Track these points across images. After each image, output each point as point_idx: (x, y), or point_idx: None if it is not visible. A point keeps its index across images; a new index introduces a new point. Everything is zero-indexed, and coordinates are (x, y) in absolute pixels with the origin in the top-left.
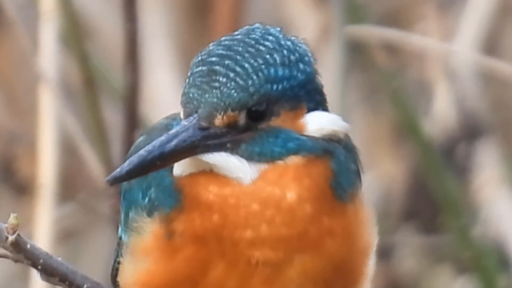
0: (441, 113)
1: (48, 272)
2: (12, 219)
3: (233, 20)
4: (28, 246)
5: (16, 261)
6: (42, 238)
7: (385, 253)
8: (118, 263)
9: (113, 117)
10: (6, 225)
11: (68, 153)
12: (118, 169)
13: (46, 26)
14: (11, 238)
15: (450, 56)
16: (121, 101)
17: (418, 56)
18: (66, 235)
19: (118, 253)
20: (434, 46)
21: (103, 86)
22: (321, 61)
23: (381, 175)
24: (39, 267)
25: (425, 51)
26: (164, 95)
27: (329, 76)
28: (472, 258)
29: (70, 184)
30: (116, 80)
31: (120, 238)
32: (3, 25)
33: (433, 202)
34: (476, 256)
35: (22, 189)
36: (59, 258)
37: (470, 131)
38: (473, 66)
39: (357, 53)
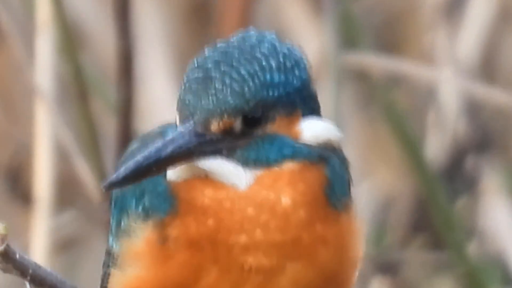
0: (449, 124)
1: (37, 282)
2: (1, 229)
3: (235, 30)
4: (17, 256)
5: (4, 271)
6: (39, 248)
7: (389, 267)
8: (108, 273)
9: (107, 128)
10: None
11: (62, 163)
12: (114, 175)
13: (42, 39)
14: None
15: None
16: (115, 113)
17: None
18: (62, 245)
19: (108, 264)
20: (424, 73)
21: (97, 97)
22: (317, 73)
23: (380, 185)
24: (28, 277)
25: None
26: (160, 104)
27: (326, 86)
28: (469, 274)
29: (64, 194)
30: (110, 92)
31: (110, 248)
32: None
33: (434, 218)
34: (473, 272)
35: (26, 198)
36: (48, 269)
37: (479, 142)
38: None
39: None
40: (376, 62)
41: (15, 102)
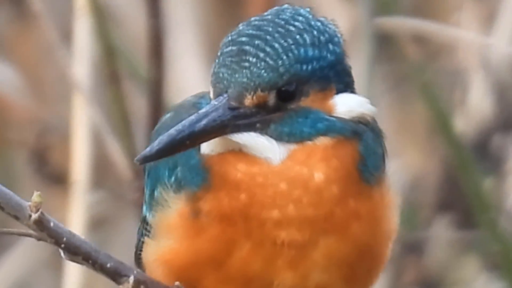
0: (476, 104)
1: (71, 250)
2: (35, 197)
3: (263, 11)
4: (51, 224)
5: (39, 239)
6: (75, 226)
7: (416, 246)
8: (142, 241)
9: (138, 108)
10: (30, 203)
11: (95, 144)
12: (148, 149)
13: (78, 22)
14: (34, 216)
15: (485, 47)
16: (146, 93)
17: (450, 47)
18: (94, 223)
19: (142, 232)
20: (467, 37)
21: (129, 78)
22: (350, 51)
23: (409, 165)
24: (62, 245)
25: (458, 42)
26: (190, 85)
27: (358, 66)
28: (500, 253)
29: (96, 174)
30: (142, 72)
31: (145, 216)
32: (31, 16)
33: (464, 196)
34: (504, 250)
35: (54, 178)
36: (82, 237)
37: (505, 122)
38: (509, 57)
39: (386, 44)
40: (410, 25)
41: (43, 83)
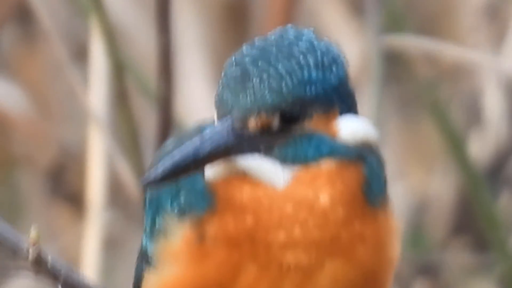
0: (491, 126)
1: (69, 286)
2: (33, 233)
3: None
4: (49, 260)
5: (37, 274)
6: (91, 249)
7: (429, 269)
8: (143, 273)
9: (149, 126)
10: (28, 238)
11: (107, 164)
12: (152, 173)
13: (92, 42)
14: (31, 253)
15: (498, 68)
16: (155, 110)
17: (463, 67)
18: (107, 243)
19: (141, 264)
20: (479, 57)
21: (139, 95)
22: (359, 71)
23: (417, 187)
24: (60, 282)
25: (471, 62)
26: (197, 105)
27: (367, 86)
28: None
29: (109, 194)
30: (151, 90)
31: (145, 247)
32: (39, 35)
33: (477, 219)
34: None
35: (68, 199)
36: (80, 274)
37: (500, 156)
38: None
39: (396, 64)
40: (418, 45)
41: (52, 103)
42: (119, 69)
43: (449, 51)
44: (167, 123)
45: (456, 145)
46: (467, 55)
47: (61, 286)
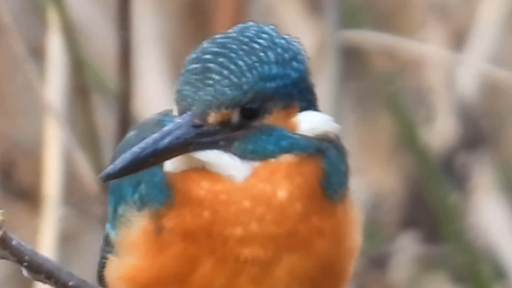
0: (441, 122)
1: (34, 269)
2: None
3: (228, 27)
4: (14, 242)
5: (1, 257)
6: (46, 243)
7: (381, 261)
8: (105, 259)
9: (107, 122)
10: None
11: (64, 158)
12: (111, 166)
13: (50, 37)
14: None
15: (451, 65)
16: (114, 107)
17: (417, 64)
18: (62, 239)
19: (105, 250)
20: (434, 53)
21: (98, 91)
22: (316, 67)
23: (373, 182)
24: (25, 263)
25: (425, 58)
26: (155, 101)
27: (324, 82)
28: (467, 265)
29: (65, 189)
30: (111, 86)
31: (107, 234)
32: None
33: (430, 211)
34: (472, 262)
35: (21, 194)
36: (45, 255)
37: (469, 140)
38: (475, 72)
39: (352, 59)
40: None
41: (8, 98)
42: (78, 64)
43: (404, 46)
44: (126, 119)
45: (411, 138)
46: (420, 50)
47: (26, 267)
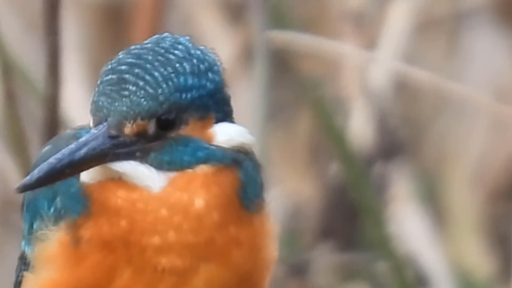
0: (358, 130)
1: None
2: None
3: (147, 36)
4: None
5: None
6: None
7: (299, 270)
8: (21, 277)
9: (35, 127)
10: None
11: None
12: (28, 177)
13: None
14: None
15: (368, 66)
16: (42, 113)
17: (334, 70)
18: None
19: (21, 267)
20: (351, 53)
21: (26, 95)
22: (238, 74)
23: (293, 190)
24: None
25: (343, 59)
26: (75, 109)
27: (249, 89)
28: (390, 272)
29: None
30: (38, 90)
31: (23, 252)
32: None
33: (352, 217)
34: (395, 269)
35: None
36: None
37: (386, 149)
38: (390, 77)
39: (276, 65)
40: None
41: None
42: (7, 69)
43: (325, 46)
44: (54, 123)
45: (338, 141)
46: (339, 49)
47: None
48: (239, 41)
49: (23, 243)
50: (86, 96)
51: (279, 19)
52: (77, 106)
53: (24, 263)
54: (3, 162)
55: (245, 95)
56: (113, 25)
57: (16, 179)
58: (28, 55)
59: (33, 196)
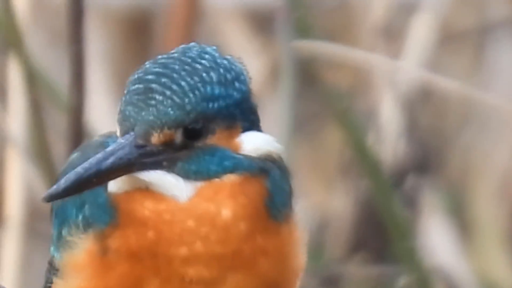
0: (387, 142)
1: None
2: None
3: (175, 46)
4: None
5: None
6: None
7: (330, 283)
8: (50, 283)
9: (58, 138)
10: None
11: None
12: (55, 186)
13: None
14: None
15: (395, 77)
16: (66, 123)
17: (361, 81)
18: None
19: (50, 273)
20: (378, 63)
21: (51, 105)
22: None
23: (321, 202)
24: None
25: (369, 70)
26: (102, 118)
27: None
28: (418, 284)
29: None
30: (63, 101)
31: (52, 257)
32: None
33: (381, 231)
34: (423, 281)
35: None
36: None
37: (416, 162)
38: (417, 88)
39: (304, 77)
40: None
41: None
42: (32, 79)
43: (353, 56)
44: (78, 133)
45: (365, 154)
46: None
47: None
48: (266, 52)
49: (52, 248)
50: (111, 106)
51: (304, 30)
52: (102, 116)
53: (53, 268)
54: (29, 171)
55: (272, 106)
56: (137, 35)
57: (41, 188)
58: (53, 65)
59: (61, 203)
